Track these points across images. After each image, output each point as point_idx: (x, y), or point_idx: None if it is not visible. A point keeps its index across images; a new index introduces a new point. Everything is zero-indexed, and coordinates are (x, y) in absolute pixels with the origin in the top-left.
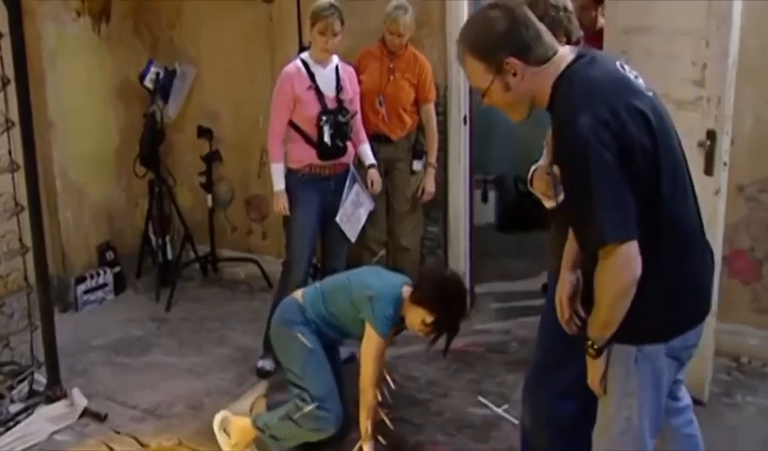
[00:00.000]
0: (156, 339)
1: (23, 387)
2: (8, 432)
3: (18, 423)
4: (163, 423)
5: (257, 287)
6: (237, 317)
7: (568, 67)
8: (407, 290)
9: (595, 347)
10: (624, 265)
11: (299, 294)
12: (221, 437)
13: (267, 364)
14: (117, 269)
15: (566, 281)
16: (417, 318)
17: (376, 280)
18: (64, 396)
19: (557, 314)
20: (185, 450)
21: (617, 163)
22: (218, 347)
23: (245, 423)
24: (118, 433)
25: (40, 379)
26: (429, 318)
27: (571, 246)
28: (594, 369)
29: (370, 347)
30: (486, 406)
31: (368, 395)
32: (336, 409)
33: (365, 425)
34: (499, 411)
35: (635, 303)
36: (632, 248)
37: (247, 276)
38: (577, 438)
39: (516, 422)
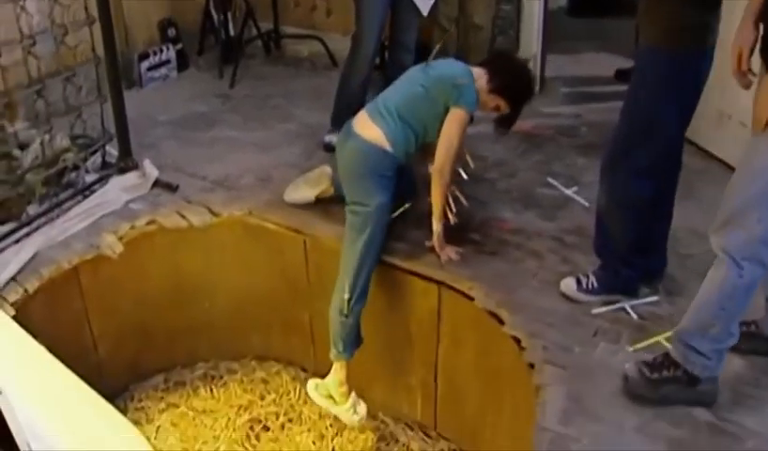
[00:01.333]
0: (221, 115)
1: (97, 158)
2: (86, 200)
3: (94, 192)
4: (233, 194)
5: (321, 65)
6: (301, 94)
7: None
8: (477, 72)
9: None
10: None
11: (381, 139)
12: (323, 402)
13: (334, 138)
14: (179, 46)
15: (749, 33)
16: (492, 103)
17: (450, 69)
18: (135, 167)
19: (731, 65)
20: (255, 220)
21: None
22: (283, 122)
23: (332, 377)
24: (190, 203)
25: (112, 151)
26: (506, 108)
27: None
28: None
29: (455, 123)
30: (555, 187)
31: (446, 173)
32: None
33: (440, 204)
34: (569, 192)
35: None
36: None
37: (310, 54)
38: (651, 218)
39: (586, 203)
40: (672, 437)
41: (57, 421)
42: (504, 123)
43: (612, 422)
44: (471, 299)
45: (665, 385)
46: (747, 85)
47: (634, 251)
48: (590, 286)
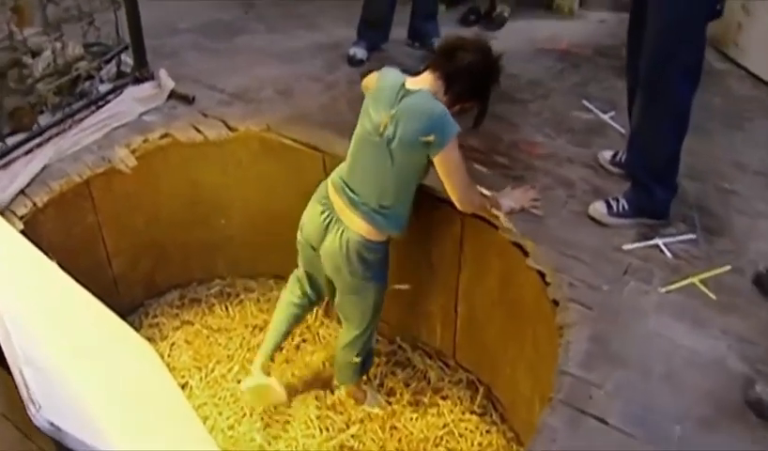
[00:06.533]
0: (244, 24)
1: (111, 68)
2: (99, 111)
3: (108, 102)
4: (252, 107)
5: None
6: (328, 3)
7: None
8: (431, 82)
9: None
10: None
11: (369, 232)
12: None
13: (359, 51)
14: None
15: None
16: (457, 109)
17: (409, 131)
18: (151, 77)
19: None
20: (273, 135)
21: None
22: (308, 33)
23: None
24: (206, 116)
25: (127, 60)
26: (474, 106)
27: None
28: None
29: (448, 163)
30: (591, 111)
31: (472, 201)
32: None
33: (486, 212)
34: (605, 117)
35: None
36: None
37: None
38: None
39: (622, 130)
40: (704, 388)
41: (60, 339)
42: (477, 119)
43: (638, 368)
44: (495, 228)
45: None
46: None
47: (669, 165)
48: (620, 209)
